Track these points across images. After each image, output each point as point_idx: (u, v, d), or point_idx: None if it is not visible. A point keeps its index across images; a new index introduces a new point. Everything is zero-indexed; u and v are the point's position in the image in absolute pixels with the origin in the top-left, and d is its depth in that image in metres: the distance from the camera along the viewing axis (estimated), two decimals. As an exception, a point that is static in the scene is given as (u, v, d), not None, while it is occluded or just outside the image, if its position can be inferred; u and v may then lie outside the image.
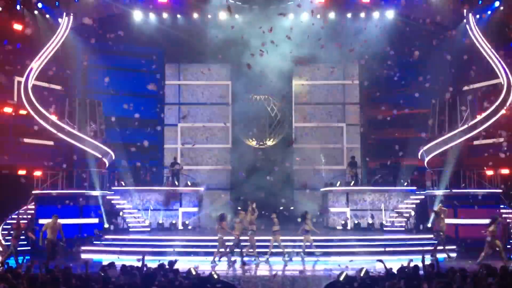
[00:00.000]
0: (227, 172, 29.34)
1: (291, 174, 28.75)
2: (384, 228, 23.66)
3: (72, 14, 25.12)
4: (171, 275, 10.65)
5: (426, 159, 24.14)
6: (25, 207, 22.70)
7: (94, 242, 21.23)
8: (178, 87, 29.95)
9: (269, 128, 28.07)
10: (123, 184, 25.03)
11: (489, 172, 23.07)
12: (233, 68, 28.48)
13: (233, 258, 17.86)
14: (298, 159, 27.95)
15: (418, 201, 24.11)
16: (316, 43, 23.38)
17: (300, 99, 29.69)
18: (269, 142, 28.42)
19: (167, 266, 11.64)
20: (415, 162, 25.40)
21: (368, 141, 29.07)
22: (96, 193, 23.21)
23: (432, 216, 19.68)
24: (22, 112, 23.75)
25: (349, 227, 24.44)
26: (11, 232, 18.65)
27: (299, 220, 19.98)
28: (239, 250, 18.14)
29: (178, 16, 27.32)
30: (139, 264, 11.66)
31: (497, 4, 24.65)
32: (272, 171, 26.16)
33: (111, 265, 11.57)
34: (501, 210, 21.99)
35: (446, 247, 19.01)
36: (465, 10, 24.99)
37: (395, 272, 11.03)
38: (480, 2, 25.27)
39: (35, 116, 23.06)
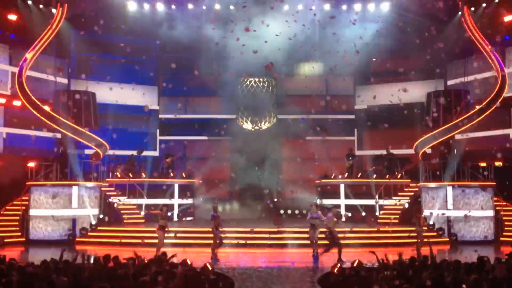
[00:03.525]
0: (226, 163, 29.19)
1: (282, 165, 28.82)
2: (378, 221, 23.73)
3: (66, 4, 24.94)
4: (165, 267, 10.65)
5: (421, 152, 24.19)
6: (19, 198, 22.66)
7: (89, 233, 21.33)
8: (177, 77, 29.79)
9: (264, 110, 28.04)
10: (118, 176, 24.97)
11: (483, 164, 23.15)
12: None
13: None
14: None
15: (412, 193, 24.17)
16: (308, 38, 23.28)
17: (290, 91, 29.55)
18: (264, 125, 28.41)
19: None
20: (409, 155, 25.48)
21: (363, 133, 29.07)
22: (90, 184, 23.15)
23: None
24: (16, 103, 23.66)
25: (343, 219, 24.50)
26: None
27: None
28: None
29: (173, 7, 27.19)
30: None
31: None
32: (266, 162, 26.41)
33: (106, 257, 11.54)
34: (495, 203, 22.10)
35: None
36: (460, 2, 24.95)
37: (388, 264, 11.07)
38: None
39: (30, 107, 22.98)
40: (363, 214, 24.37)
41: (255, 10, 23.81)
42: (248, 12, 23.19)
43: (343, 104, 26.41)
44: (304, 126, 26.94)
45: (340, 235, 17.50)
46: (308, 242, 18.49)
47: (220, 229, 17.33)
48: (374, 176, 25.02)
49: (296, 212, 26.13)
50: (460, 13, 24.92)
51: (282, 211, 26.77)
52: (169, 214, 18.86)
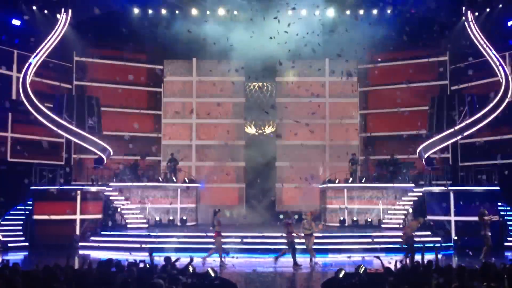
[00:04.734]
0: (238, 169, 29.10)
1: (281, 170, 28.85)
2: (382, 225, 23.71)
3: (70, 9, 25.02)
4: (168, 272, 10.63)
5: (425, 157, 24.14)
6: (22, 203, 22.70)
7: (92, 238, 21.35)
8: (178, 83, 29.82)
9: (267, 114, 28.09)
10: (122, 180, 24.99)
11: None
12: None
13: None
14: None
15: (416, 198, 24.12)
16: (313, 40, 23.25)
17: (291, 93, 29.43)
18: (268, 130, 28.53)
19: (163, 263, 11.62)
20: (413, 159, 25.44)
21: (366, 137, 29.03)
22: (94, 188, 23.18)
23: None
24: (21, 108, 23.72)
25: (346, 224, 24.50)
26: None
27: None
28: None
29: (176, 12, 27.26)
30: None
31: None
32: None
33: (109, 261, 11.52)
34: (499, 208, 22.01)
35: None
36: (463, 7, 24.95)
37: (393, 269, 11.03)
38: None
39: (34, 112, 23.02)
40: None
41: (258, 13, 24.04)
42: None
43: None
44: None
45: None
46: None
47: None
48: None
49: (296, 217, 26.01)
50: (463, 17, 24.90)
51: (281, 216, 26.70)
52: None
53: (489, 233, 18.12)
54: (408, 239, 17.09)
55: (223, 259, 17.28)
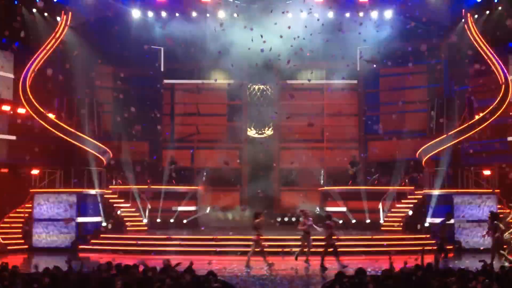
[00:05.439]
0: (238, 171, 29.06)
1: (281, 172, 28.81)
2: (382, 228, 23.70)
3: (70, 12, 25.01)
4: (170, 274, 10.63)
5: (424, 159, 24.15)
6: (22, 206, 22.67)
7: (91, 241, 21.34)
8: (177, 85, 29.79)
9: (267, 116, 28.18)
10: (121, 183, 24.97)
11: (487, 172, 23.09)
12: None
13: None
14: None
15: (416, 201, 24.11)
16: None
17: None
18: (268, 132, 28.60)
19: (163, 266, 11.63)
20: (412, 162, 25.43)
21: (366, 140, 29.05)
22: (93, 191, 23.16)
23: None
24: (21, 110, 23.71)
25: (346, 226, 24.50)
26: None
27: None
28: None
29: (177, 14, 27.27)
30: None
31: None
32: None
33: (108, 264, 11.53)
34: (499, 210, 22.01)
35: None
36: (463, 10, 24.97)
37: (393, 272, 11.04)
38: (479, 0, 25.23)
39: (33, 115, 23.00)
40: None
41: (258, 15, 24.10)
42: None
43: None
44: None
45: None
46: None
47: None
48: (376, 183, 25.04)
49: (293, 219, 25.98)
50: (463, 20, 24.92)
51: (279, 219, 26.67)
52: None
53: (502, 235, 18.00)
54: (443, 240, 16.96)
55: (266, 262, 17.11)
